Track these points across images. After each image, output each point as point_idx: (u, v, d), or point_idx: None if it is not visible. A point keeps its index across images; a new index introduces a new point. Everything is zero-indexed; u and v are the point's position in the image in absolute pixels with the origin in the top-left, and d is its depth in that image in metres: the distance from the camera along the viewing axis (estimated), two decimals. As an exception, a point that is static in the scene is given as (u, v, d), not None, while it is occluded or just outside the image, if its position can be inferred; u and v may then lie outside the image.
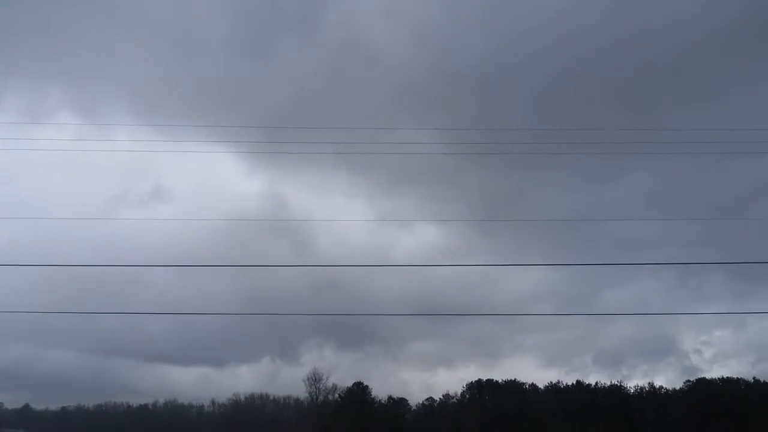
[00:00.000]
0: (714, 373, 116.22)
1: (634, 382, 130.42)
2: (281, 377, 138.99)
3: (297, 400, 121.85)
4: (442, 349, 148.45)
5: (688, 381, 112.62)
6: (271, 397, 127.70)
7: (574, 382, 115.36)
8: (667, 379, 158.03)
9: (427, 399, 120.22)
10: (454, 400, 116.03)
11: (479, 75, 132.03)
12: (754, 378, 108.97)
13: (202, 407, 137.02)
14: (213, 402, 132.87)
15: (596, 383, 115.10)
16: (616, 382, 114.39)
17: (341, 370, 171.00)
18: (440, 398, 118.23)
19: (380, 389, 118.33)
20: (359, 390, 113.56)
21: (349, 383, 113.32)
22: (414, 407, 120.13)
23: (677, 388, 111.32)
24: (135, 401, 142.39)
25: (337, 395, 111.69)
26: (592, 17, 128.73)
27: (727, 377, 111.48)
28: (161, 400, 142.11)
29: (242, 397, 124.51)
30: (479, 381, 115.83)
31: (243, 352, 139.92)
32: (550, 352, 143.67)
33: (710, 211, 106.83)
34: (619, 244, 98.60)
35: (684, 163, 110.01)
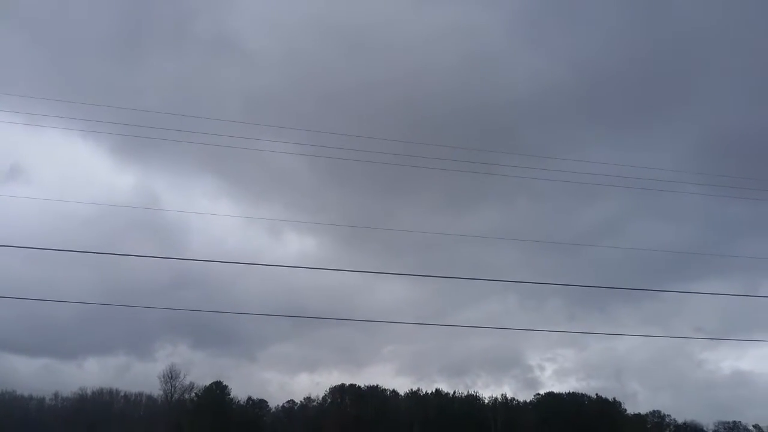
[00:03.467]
0: (553, 387, 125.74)
1: (484, 392, 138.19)
2: (134, 373, 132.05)
3: (150, 398, 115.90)
4: (305, 354, 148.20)
5: (538, 394, 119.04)
6: (122, 393, 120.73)
7: (434, 391, 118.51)
8: (511, 390, 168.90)
9: (287, 401, 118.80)
10: (316, 403, 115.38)
11: (348, 95, 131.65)
12: (596, 394, 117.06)
13: (43, 400, 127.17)
14: (56, 395, 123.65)
15: (454, 392, 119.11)
16: (472, 392, 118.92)
17: (200, 369, 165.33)
18: (301, 401, 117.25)
19: (240, 390, 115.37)
20: (218, 389, 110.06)
21: (208, 382, 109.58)
22: (274, 409, 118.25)
23: (528, 400, 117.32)
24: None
25: (193, 394, 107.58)
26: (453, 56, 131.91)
27: (573, 392, 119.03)
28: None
29: (89, 392, 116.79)
30: (342, 385, 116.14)
31: (93, 344, 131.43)
32: (410, 361, 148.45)
33: (554, 245, 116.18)
34: (474, 266, 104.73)
35: (531, 201, 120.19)
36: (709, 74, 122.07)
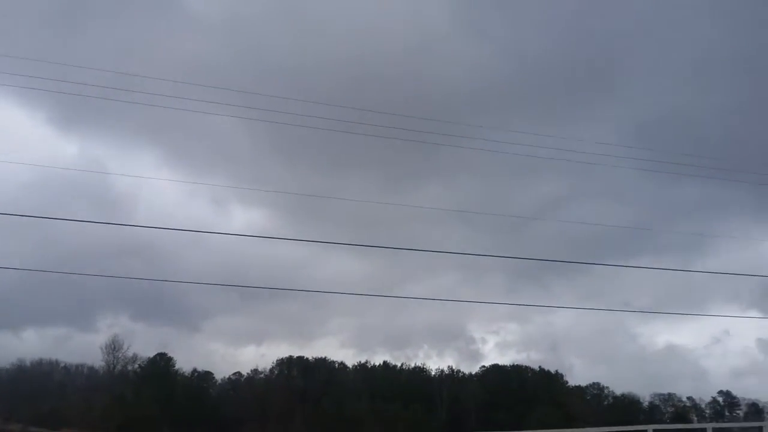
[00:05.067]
0: (495, 359, 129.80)
1: (428, 363, 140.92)
2: (75, 343, 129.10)
3: (92, 369, 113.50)
4: (252, 326, 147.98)
5: (483, 366, 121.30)
6: (62, 364, 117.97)
7: (381, 363, 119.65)
8: (453, 361, 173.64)
9: (234, 373, 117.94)
10: (263, 375, 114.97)
11: (292, 69, 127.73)
12: (539, 366, 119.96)
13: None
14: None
15: (402, 364, 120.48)
16: (419, 364, 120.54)
17: (143, 340, 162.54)
18: (248, 373, 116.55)
19: (185, 362, 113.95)
20: (162, 361, 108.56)
21: (152, 354, 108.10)
22: (220, 381, 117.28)
23: (473, 372, 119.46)
24: None
25: (137, 365, 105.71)
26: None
27: (517, 364, 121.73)
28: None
29: (28, 363, 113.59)
30: (289, 357, 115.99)
31: (32, 313, 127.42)
32: (356, 333, 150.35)
33: (495, 223, 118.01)
34: (419, 242, 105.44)
35: (475, 181, 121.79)
36: (646, 58, 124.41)
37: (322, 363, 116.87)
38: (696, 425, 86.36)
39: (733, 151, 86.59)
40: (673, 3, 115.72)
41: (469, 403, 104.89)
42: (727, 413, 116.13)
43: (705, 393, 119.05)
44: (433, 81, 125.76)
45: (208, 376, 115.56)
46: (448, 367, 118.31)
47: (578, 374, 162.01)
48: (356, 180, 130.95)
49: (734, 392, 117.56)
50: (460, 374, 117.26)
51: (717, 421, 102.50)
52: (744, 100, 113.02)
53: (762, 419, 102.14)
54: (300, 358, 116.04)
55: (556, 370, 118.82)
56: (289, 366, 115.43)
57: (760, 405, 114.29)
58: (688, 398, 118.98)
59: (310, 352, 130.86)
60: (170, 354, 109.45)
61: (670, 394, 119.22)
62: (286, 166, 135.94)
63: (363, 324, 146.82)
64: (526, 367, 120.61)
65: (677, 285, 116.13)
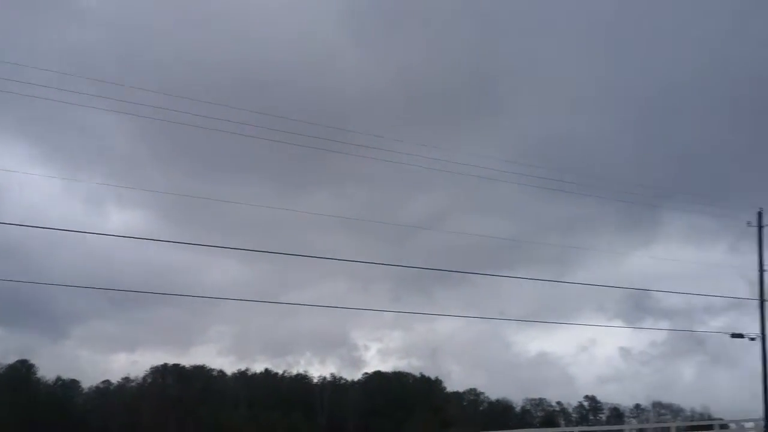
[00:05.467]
0: (377, 366, 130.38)
1: (310, 370, 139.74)
2: None
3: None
4: (126, 332, 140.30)
5: (366, 373, 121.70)
6: None
7: (263, 370, 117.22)
8: (336, 368, 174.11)
9: (102, 382, 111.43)
10: (134, 384, 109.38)
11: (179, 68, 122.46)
12: (420, 373, 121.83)
13: None
14: None
15: (283, 372, 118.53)
16: (302, 372, 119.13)
17: (2, 346, 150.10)
18: (118, 381, 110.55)
19: (49, 369, 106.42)
20: (23, 368, 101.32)
21: (12, 360, 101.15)
22: (86, 390, 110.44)
23: (355, 378, 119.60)
24: None
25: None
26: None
27: (399, 371, 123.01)
28: None
29: None
30: (164, 365, 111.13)
31: None
32: (237, 340, 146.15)
33: (383, 233, 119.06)
34: (306, 249, 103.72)
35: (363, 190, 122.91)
36: (530, 80, 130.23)
37: (200, 371, 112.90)
38: (564, 429, 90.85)
39: (605, 171, 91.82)
40: (565, 26, 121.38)
41: (350, 410, 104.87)
42: (591, 417, 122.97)
43: (572, 398, 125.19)
44: (325, 91, 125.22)
45: (73, 384, 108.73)
46: (330, 374, 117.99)
47: (456, 380, 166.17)
48: (245, 185, 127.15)
49: (598, 397, 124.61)
50: (342, 381, 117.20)
51: (582, 425, 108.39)
52: (624, 125, 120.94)
53: (622, 422, 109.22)
54: (176, 365, 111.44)
55: (436, 377, 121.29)
56: (164, 374, 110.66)
57: (621, 409, 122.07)
58: (557, 403, 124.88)
59: (188, 360, 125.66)
60: (32, 361, 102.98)
61: (540, 399, 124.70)
62: (171, 167, 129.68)
63: (244, 331, 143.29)
64: (408, 373, 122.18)
65: (550, 295, 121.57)
